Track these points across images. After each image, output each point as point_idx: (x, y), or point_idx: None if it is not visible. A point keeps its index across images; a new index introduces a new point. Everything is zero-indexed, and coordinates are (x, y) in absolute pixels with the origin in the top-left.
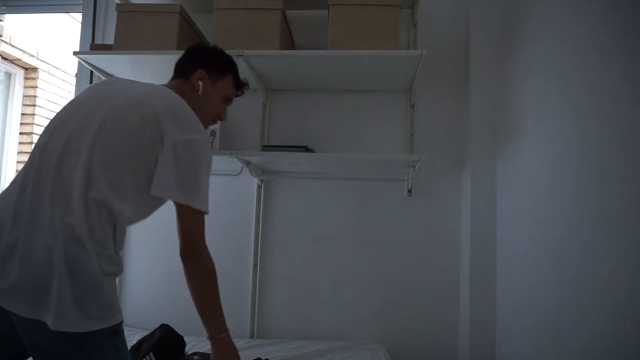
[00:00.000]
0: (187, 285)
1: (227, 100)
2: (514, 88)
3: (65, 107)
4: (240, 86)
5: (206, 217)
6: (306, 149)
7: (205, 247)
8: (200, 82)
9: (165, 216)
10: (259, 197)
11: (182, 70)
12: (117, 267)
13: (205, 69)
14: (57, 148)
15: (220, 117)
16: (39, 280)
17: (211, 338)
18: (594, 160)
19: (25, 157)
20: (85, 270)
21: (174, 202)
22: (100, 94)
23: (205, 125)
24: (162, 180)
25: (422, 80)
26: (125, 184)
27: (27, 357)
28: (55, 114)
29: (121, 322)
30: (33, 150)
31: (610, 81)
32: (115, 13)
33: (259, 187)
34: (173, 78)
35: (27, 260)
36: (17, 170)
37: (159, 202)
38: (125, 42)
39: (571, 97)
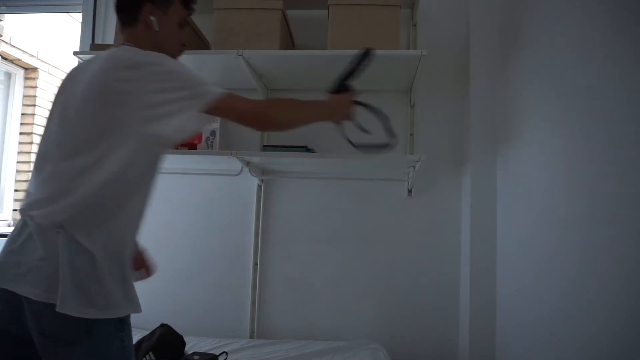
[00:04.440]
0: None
1: (184, 25)
2: (514, 88)
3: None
4: (188, 4)
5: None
6: (306, 149)
7: (259, 107)
8: (152, 18)
9: (165, 215)
10: (259, 197)
11: (127, 17)
12: (120, 255)
13: (149, 1)
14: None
15: (183, 44)
16: (50, 266)
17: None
18: (594, 160)
19: (25, 157)
20: (83, 257)
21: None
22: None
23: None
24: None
25: (422, 80)
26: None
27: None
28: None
29: (129, 315)
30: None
31: (610, 82)
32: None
33: (259, 187)
34: (122, 31)
35: (40, 246)
36: (17, 170)
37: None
38: None
39: (571, 98)
